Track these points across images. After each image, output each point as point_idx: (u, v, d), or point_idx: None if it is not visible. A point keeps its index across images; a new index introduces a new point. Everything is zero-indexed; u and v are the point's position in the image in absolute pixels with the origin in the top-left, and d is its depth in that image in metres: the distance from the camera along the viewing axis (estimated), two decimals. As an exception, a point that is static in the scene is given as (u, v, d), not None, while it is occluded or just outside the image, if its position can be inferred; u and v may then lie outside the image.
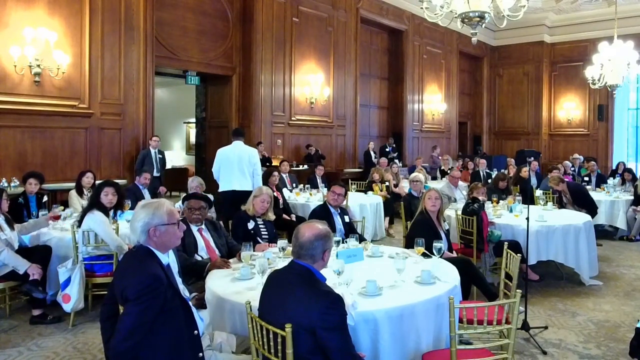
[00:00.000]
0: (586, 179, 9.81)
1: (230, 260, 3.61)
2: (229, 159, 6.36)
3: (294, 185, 8.58)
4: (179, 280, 2.42)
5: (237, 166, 6.32)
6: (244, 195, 5.68)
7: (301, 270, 2.34)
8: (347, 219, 5.10)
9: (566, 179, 9.51)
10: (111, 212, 4.63)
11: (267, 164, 9.47)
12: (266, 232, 4.47)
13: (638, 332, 3.27)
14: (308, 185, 8.48)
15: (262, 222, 4.49)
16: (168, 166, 9.96)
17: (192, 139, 14.22)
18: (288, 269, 2.41)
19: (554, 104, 17.37)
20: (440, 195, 4.61)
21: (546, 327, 4.27)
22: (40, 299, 4.25)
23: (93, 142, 7.87)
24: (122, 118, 8.26)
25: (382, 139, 13.88)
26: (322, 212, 4.94)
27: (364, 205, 7.34)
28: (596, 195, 8.35)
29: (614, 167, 12.48)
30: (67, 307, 4.10)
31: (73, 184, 6.15)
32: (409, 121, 14.40)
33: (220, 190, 6.40)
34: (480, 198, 5.32)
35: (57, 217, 4.76)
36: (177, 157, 16.09)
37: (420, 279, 3.04)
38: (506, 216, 5.78)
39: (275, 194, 5.89)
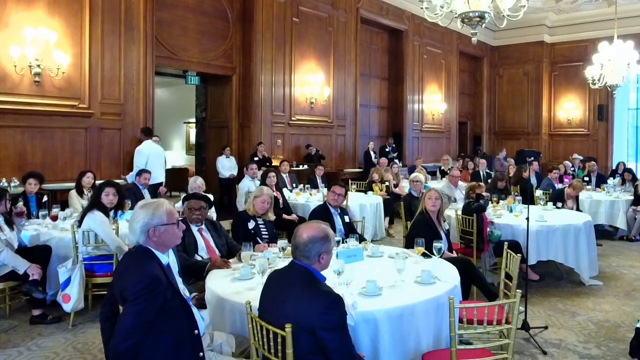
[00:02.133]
0: (586, 178, 9.80)
1: (230, 260, 3.61)
2: (155, 155, 7.34)
3: (294, 185, 8.58)
4: (179, 280, 2.41)
5: (159, 161, 7.49)
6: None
7: (301, 271, 2.34)
8: (347, 219, 5.09)
9: (565, 179, 9.55)
10: (111, 213, 4.63)
11: (267, 164, 9.47)
12: (266, 232, 4.47)
13: (638, 332, 3.28)
14: (308, 185, 8.48)
15: (262, 222, 4.49)
16: (168, 166, 9.96)
17: (192, 139, 14.23)
18: (288, 269, 2.41)
19: (554, 104, 17.37)
20: (440, 195, 4.61)
21: (546, 327, 4.27)
22: (40, 299, 4.25)
23: (93, 142, 7.86)
24: (122, 118, 8.25)
25: (382, 139, 13.88)
26: (322, 212, 4.94)
27: (364, 205, 7.33)
28: (596, 195, 8.36)
29: (614, 167, 12.47)
30: (67, 307, 4.10)
31: (73, 184, 6.14)
32: (409, 121, 14.40)
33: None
34: (484, 194, 5.30)
35: (20, 214, 4.76)
36: (177, 157, 16.10)
37: (420, 279, 3.04)
38: (506, 216, 5.78)
39: (275, 194, 5.89)
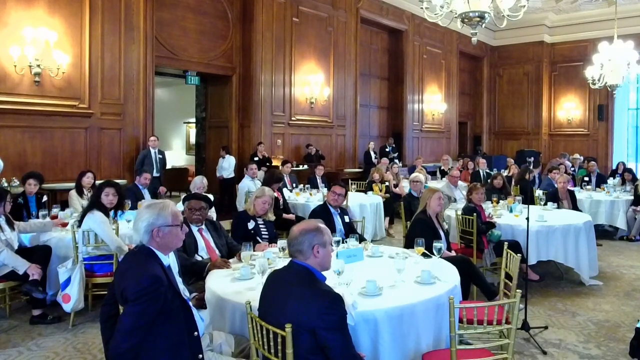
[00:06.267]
0: (586, 178, 9.80)
1: (230, 260, 3.61)
2: None
3: (294, 185, 8.57)
4: (179, 280, 2.41)
5: None
6: None
7: (300, 270, 2.33)
8: (347, 219, 5.10)
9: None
10: (111, 213, 4.63)
11: (267, 164, 9.47)
12: (266, 232, 4.47)
13: (638, 332, 3.28)
14: (308, 185, 8.47)
15: (262, 222, 4.49)
16: (168, 166, 9.95)
17: (192, 139, 14.23)
18: (288, 269, 2.40)
19: (554, 104, 17.38)
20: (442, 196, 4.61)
21: (546, 327, 4.27)
22: (40, 299, 4.25)
23: (93, 142, 7.87)
24: (122, 118, 8.26)
25: (382, 139, 13.88)
26: (322, 212, 4.94)
27: (364, 205, 7.32)
28: (596, 195, 8.35)
29: (614, 167, 12.47)
30: (67, 307, 4.10)
31: (73, 184, 6.14)
32: (409, 121, 14.40)
33: None
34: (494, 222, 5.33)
35: (64, 224, 4.85)
36: (177, 157, 16.08)
37: (420, 279, 3.04)
38: (506, 216, 5.78)
39: (275, 194, 5.88)
